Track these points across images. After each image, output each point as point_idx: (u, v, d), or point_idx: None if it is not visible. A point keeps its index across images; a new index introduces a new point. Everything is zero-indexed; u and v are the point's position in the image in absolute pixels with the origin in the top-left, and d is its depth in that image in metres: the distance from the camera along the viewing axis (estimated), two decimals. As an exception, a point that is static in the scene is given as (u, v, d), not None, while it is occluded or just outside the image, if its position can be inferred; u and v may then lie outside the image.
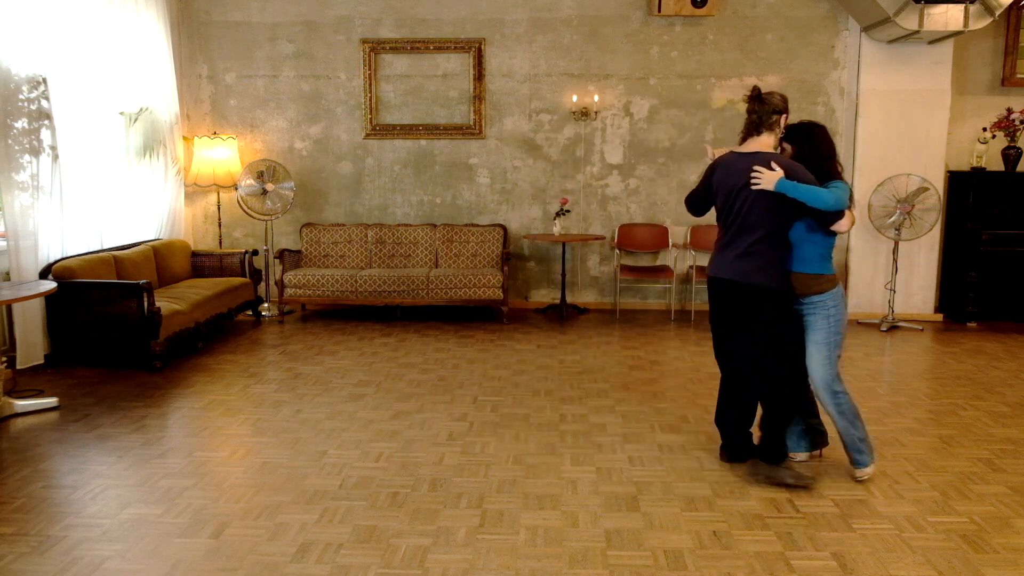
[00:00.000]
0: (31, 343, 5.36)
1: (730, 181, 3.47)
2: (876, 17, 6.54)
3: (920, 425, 4.35)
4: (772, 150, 3.49)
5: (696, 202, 3.75)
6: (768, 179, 3.33)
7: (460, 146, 7.49)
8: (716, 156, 3.66)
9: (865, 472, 3.56)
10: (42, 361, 5.44)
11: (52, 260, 5.49)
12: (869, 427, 4.27)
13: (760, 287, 3.43)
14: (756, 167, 3.36)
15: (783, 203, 3.36)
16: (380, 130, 7.47)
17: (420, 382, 5.13)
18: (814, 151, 3.55)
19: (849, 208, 3.44)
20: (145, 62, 6.63)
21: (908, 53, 6.96)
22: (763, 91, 3.54)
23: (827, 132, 3.66)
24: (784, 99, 3.54)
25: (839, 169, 3.58)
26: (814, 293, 3.46)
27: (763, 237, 3.42)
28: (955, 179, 7.21)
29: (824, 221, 3.39)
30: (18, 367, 5.25)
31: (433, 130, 7.46)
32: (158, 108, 6.79)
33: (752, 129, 3.51)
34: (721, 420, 3.78)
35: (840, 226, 3.41)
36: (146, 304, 5.27)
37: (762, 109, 3.47)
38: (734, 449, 3.73)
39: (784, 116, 3.54)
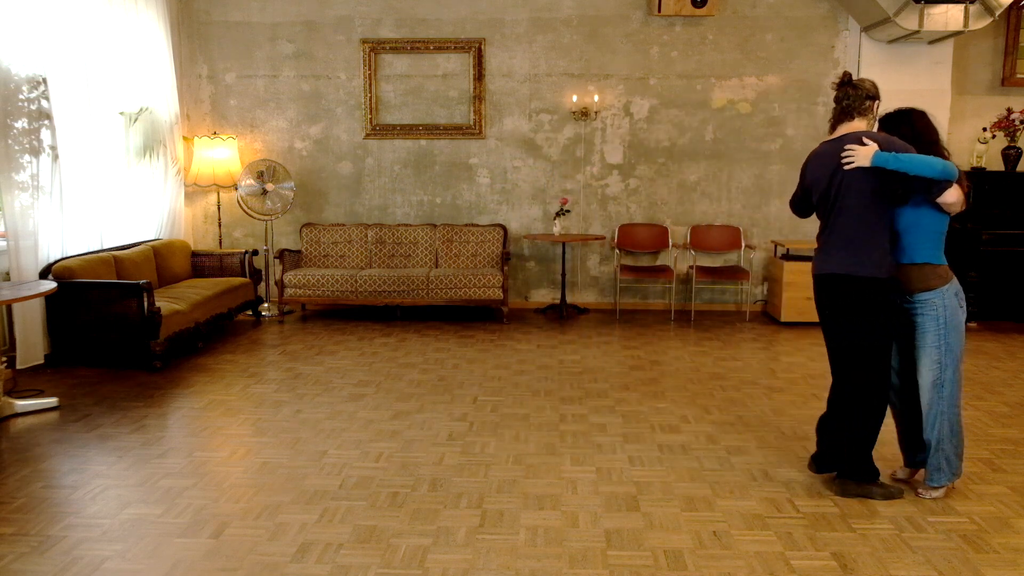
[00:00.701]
0: (31, 343, 5.36)
1: (822, 170, 3.23)
2: (876, 17, 6.54)
3: (920, 425, 4.34)
4: None
5: (798, 203, 3.50)
6: (863, 154, 3.07)
7: (460, 146, 7.50)
8: None
9: (932, 493, 3.35)
10: (42, 361, 5.44)
11: (52, 260, 5.49)
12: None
13: (868, 280, 3.15)
14: (848, 145, 3.13)
15: (884, 181, 3.11)
16: (380, 130, 7.47)
17: (420, 382, 5.13)
18: (917, 137, 3.21)
19: (959, 182, 3.11)
20: (145, 62, 6.63)
21: (908, 53, 6.96)
22: (853, 78, 3.31)
23: (928, 117, 3.32)
24: (875, 85, 3.30)
25: (946, 155, 3.20)
26: (924, 289, 3.19)
27: (865, 223, 3.15)
28: (955, 179, 7.20)
29: (932, 192, 3.08)
30: (18, 367, 5.25)
31: (433, 130, 7.46)
32: (158, 108, 6.79)
33: (843, 116, 3.26)
34: (822, 428, 3.49)
35: (948, 196, 3.07)
36: (146, 304, 5.27)
37: (855, 94, 3.22)
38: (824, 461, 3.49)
39: (877, 102, 3.29)
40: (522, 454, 3.86)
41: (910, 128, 3.24)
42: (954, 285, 3.25)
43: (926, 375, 3.24)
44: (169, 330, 5.46)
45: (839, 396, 3.38)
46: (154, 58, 6.74)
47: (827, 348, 3.44)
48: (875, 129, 3.29)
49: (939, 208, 3.17)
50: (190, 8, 7.37)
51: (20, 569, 2.78)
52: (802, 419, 4.42)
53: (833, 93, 3.37)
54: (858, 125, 3.23)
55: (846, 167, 3.12)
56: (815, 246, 3.42)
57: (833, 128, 3.31)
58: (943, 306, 3.18)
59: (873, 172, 3.09)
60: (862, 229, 3.16)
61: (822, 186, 3.24)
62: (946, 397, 3.22)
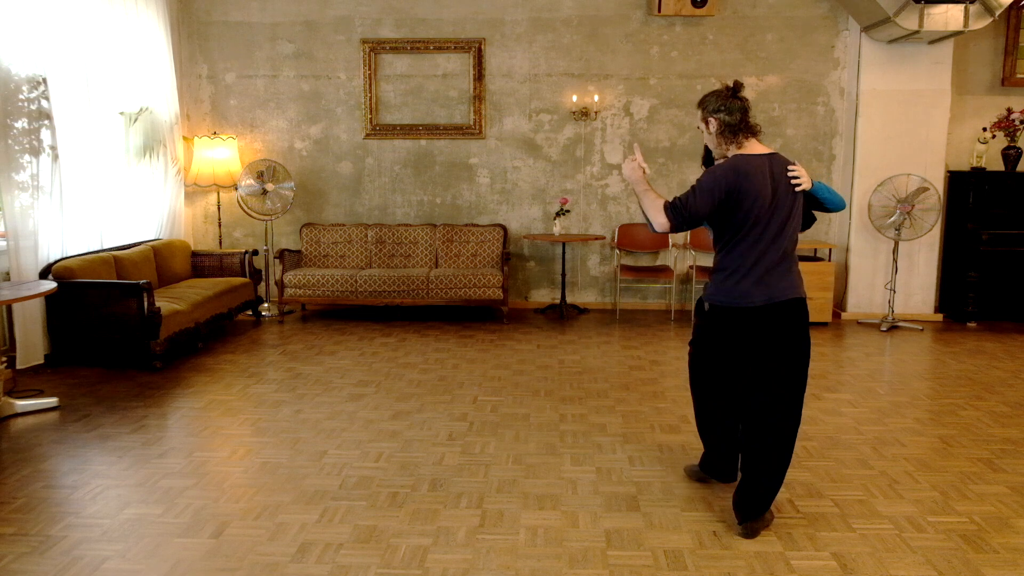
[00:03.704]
0: (31, 343, 5.36)
1: (768, 187, 2.95)
2: (876, 17, 6.54)
3: (920, 425, 4.35)
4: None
5: (697, 217, 2.98)
6: (807, 179, 3.00)
7: (460, 146, 7.49)
8: (640, 163, 3.13)
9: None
10: (42, 361, 5.44)
11: (52, 260, 5.49)
12: (868, 427, 4.29)
13: (804, 299, 3.05)
14: (792, 167, 3.00)
15: (804, 206, 3.09)
16: (380, 130, 7.47)
17: (420, 382, 5.13)
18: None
19: None
20: (145, 62, 6.63)
21: (908, 53, 6.96)
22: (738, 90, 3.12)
23: None
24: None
25: None
26: None
27: (795, 245, 3.07)
28: (955, 179, 7.21)
29: (806, 223, 3.16)
30: (18, 367, 5.25)
31: (433, 130, 7.46)
32: (158, 108, 6.79)
33: (744, 129, 3.03)
34: (718, 447, 3.44)
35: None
36: (146, 304, 5.27)
37: (744, 105, 3.03)
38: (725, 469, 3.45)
39: None
40: (522, 454, 3.86)
41: None
42: None
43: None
44: (169, 330, 5.46)
45: (784, 434, 3.08)
46: (154, 58, 6.74)
47: (755, 391, 3.07)
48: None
49: None
50: (190, 8, 7.37)
51: (20, 569, 2.78)
52: (802, 419, 4.40)
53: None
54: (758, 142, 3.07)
55: (797, 189, 2.99)
56: (724, 268, 3.09)
57: (737, 142, 3.03)
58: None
59: (803, 196, 3.05)
60: (794, 251, 3.07)
61: (762, 205, 2.94)
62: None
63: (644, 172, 3.12)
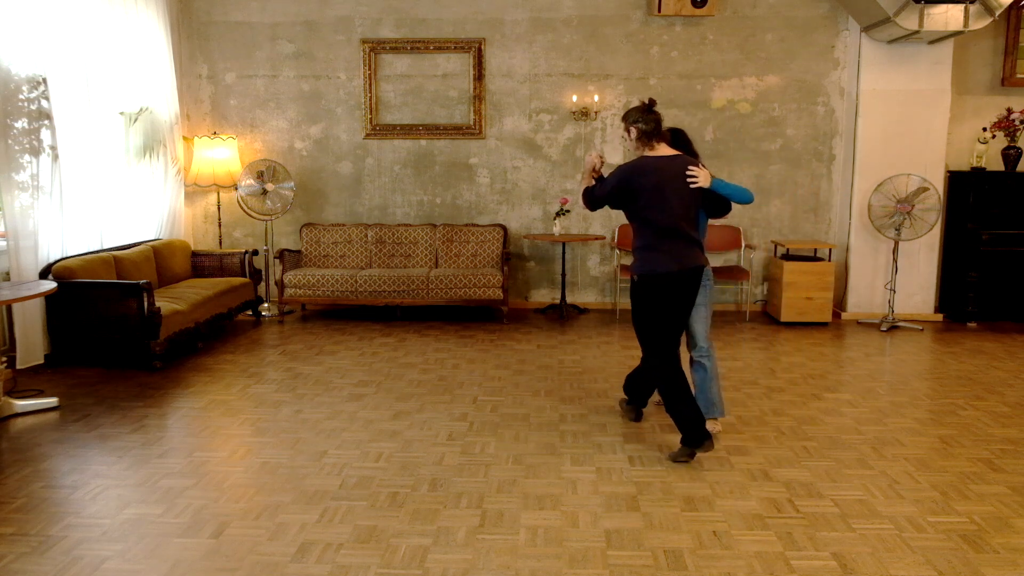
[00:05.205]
0: (31, 343, 5.36)
1: (664, 181, 3.75)
2: (876, 17, 6.54)
3: (920, 425, 4.35)
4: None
5: (600, 201, 3.95)
6: (704, 177, 3.77)
7: (460, 146, 7.50)
8: (598, 158, 4.04)
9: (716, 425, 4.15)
10: (42, 361, 5.44)
11: (52, 260, 5.49)
12: (868, 427, 4.29)
13: (704, 267, 3.90)
14: (692, 167, 3.77)
15: (705, 197, 3.87)
16: (380, 130, 7.48)
17: (420, 382, 5.13)
18: (692, 153, 4.07)
19: None
20: (145, 62, 6.63)
21: (908, 53, 6.96)
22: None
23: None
24: None
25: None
26: (705, 264, 3.99)
27: (696, 227, 3.89)
28: (955, 179, 7.21)
29: (719, 213, 4.02)
30: (18, 367, 5.25)
31: (433, 130, 7.46)
32: (158, 108, 6.79)
33: (656, 136, 3.82)
34: (645, 389, 4.33)
35: (724, 217, 4.16)
36: (146, 304, 5.27)
37: (657, 118, 3.82)
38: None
39: None
40: (522, 454, 3.86)
41: (688, 145, 4.09)
42: None
43: (703, 329, 4.11)
44: (169, 330, 5.46)
45: (653, 354, 3.92)
46: (154, 58, 6.74)
47: (667, 334, 3.86)
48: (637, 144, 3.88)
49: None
50: (190, 8, 7.37)
51: (20, 569, 2.78)
52: (802, 419, 4.42)
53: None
54: (665, 145, 3.86)
55: (692, 186, 3.75)
56: (647, 248, 3.84)
57: (649, 145, 3.81)
58: (709, 276, 4.08)
59: (703, 189, 3.80)
60: (696, 231, 3.87)
61: (661, 196, 3.74)
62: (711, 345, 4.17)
63: (600, 164, 4.04)
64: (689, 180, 3.75)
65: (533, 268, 7.66)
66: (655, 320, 3.84)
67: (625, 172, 3.81)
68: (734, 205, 4.01)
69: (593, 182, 4.00)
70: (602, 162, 4.05)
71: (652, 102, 3.86)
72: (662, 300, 3.80)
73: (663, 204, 3.74)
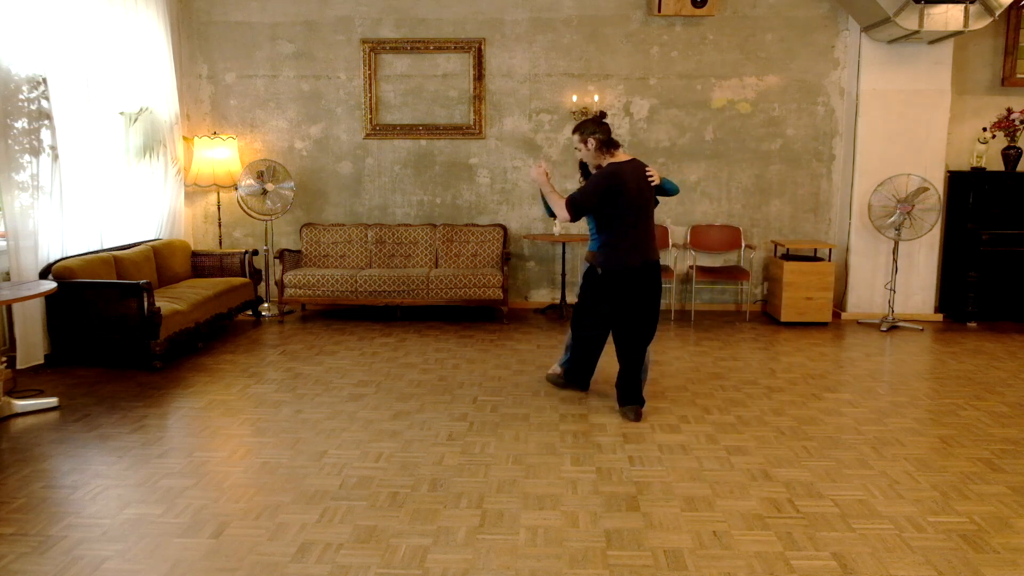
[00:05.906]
0: (31, 343, 5.36)
1: (635, 184, 4.21)
2: (876, 17, 6.54)
3: (920, 425, 4.35)
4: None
5: (585, 209, 4.27)
6: (657, 176, 4.30)
7: (460, 146, 7.50)
8: (544, 172, 4.43)
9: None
10: (42, 361, 5.44)
11: (52, 260, 5.49)
12: (868, 427, 4.30)
13: (659, 261, 4.43)
14: (648, 169, 4.29)
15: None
16: (380, 130, 7.48)
17: (420, 382, 5.13)
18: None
19: None
20: (145, 62, 6.63)
21: (908, 53, 6.96)
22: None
23: None
24: None
25: None
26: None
27: (653, 221, 4.40)
28: (955, 179, 7.21)
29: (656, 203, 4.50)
30: (18, 367, 5.25)
31: (433, 130, 7.46)
32: (158, 108, 6.79)
33: (613, 145, 4.28)
34: (589, 367, 4.78)
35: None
36: (146, 304, 5.27)
37: (608, 127, 4.30)
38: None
39: None
40: (522, 454, 3.86)
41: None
42: None
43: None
44: (169, 330, 5.46)
45: (639, 351, 4.37)
46: (154, 58, 6.74)
47: (634, 324, 4.34)
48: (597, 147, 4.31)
49: None
50: (190, 8, 7.37)
51: (20, 569, 2.78)
52: (802, 419, 4.42)
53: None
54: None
55: (652, 184, 4.27)
56: (612, 242, 4.31)
57: (610, 152, 4.27)
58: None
59: (655, 187, 4.32)
60: (653, 226, 4.40)
61: (633, 196, 4.19)
62: None
63: (547, 176, 4.44)
64: (648, 178, 4.27)
65: (533, 268, 7.66)
66: (619, 311, 4.31)
67: (606, 177, 4.21)
68: (662, 199, 4.54)
69: (558, 194, 4.37)
70: (548, 175, 4.45)
71: (603, 114, 4.36)
72: (629, 292, 4.27)
73: (638, 203, 4.22)
